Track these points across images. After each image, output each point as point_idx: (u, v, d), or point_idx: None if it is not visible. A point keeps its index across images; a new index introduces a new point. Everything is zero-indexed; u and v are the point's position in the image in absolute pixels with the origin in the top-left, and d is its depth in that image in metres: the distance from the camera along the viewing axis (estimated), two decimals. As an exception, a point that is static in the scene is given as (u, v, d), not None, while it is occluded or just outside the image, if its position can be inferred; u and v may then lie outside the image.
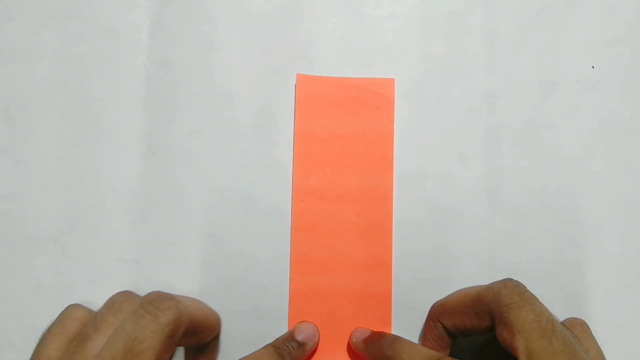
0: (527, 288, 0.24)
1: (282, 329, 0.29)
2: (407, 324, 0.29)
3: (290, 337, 0.28)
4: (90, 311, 0.25)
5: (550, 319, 0.23)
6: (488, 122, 0.31)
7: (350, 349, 0.29)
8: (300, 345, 0.28)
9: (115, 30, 0.32)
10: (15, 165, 0.31)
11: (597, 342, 0.26)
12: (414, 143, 0.31)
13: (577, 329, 0.26)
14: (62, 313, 0.25)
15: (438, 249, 0.30)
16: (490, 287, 0.25)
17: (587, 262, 0.30)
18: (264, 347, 0.27)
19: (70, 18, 0.32)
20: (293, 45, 0.32)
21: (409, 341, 0.27)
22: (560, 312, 0.29)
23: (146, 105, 0.31)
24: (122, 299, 0.24)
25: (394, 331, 0.29)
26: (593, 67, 0.32)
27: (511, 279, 0.25)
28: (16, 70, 0.32)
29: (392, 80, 0.31)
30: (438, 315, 0.27)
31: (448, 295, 0.28)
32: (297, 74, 0.31)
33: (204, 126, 0.31)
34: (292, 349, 0.27)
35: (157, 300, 0.22)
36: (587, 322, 0.27)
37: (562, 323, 0.26)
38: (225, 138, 0.31)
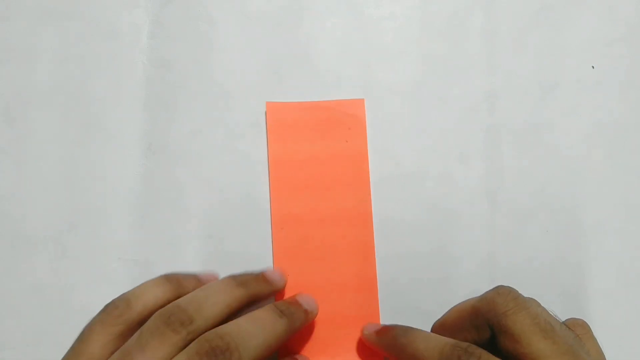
0: (520, 292, 0.24)
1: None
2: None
3: (292, 300, 0.27)
4: (128, 303, 0.24)
5: (548, 319, 0.23)
6: (488, 122, 0.31)
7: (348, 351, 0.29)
8: (305, 312, 0.27)
9: (115, 30, 0.32)
10: (15, 165, 0.31)
11: (597, 343, 0.26)
12: (414, 143, 0.31)
13: (578, 329, 0.26)
14: (102, 310, 0.24)
15: (438, 249, 0.30)
16: (484, 298, 0.24)
17: (587, 262, 0.30)
18: (266, 305, 0.26)
19: (70, 18, 0.32)
20: (293, 45, 0.32)
21: (423, 330, 0.26)
22: (560, 312, 0.28)
23: (146, 105, 0.31)
24: (169, 323, 0.22)
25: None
26: (593, 67, 0.32)
27: (503, 286, 0.25)
28: (16, 70, 0.32)
29: (362, 100, 0.31)
30: (440, 334, 0.27)
31: (445, 314, 0.28)
32: (267, 102, 0.31)
33: (204, 126, 0.31)
34: (293, 310, 0.26)
35: (218, 353, 0.21)
36: (587, 322, 0.27)
37: (564, 323, 0.26)
38: (225, 138, 0.31)
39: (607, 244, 0.30)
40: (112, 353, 0.23)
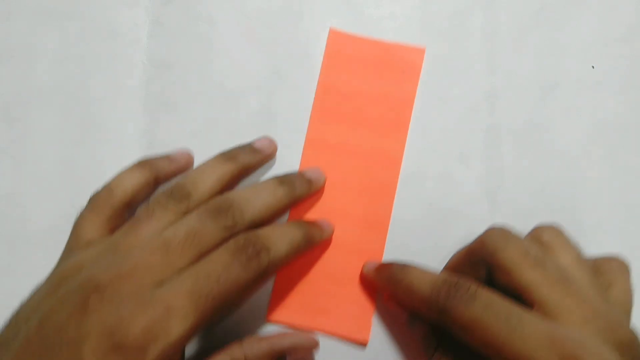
0: (513, 230, 0.25)
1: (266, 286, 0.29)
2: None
3: (296, 173, 0.29)
4: (110, 191, 0.27)
5: (537, 252, 0.24)
6: (488, 122, 0.31)
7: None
8: (307, 181, 0.29)
9: (115, 30, 0.32)
10: (15, 165, 0.31)
11: (628, 284, 0.25)
12: (414, 143, 0.31)
13: (606, 266, 0.26)
14: (88, 201, 0.27)
15: (437, 249, 0.30)
16: (478, 239, 0.25)
17: (587, 262, 0.30)
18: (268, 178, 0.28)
19: (70, 18, 0.32)
20: (293, 45, 0.32)
21: (419, 267, 0.27)
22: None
23: (146, 105, 0.31)
24: (171, 197, 0.25)
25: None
26: (593, 67, 0.32)
27: (494, 226, 0.25)
28: (16, 70, 0.32)
29: (423, 49, 0.31)
30: None
31: (448, 261, 0.29)
32: (330, 28, 0.31)
33: (204, 126, 0.31)
34: (294, 179, 0.28)
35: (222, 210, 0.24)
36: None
37: (595, 260, 0.26)
38: (225, 138, 0.31)
39: (607, 244, 0.30)
40: (107, 232, 0.26)
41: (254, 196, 0.26)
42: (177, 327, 0.21)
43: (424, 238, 0.30)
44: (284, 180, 0.27)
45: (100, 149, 0.31)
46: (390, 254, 0.30)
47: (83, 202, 0.30)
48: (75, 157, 0.31)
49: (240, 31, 0.32)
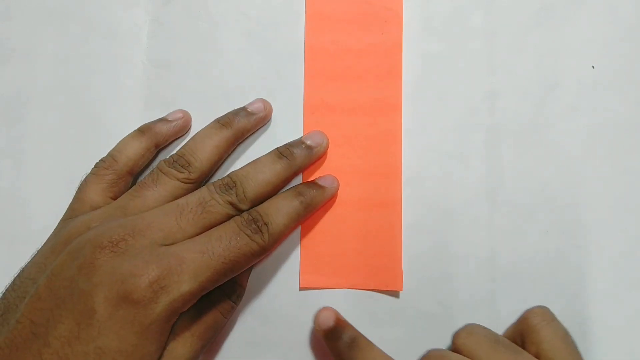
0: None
1: (294, 252, 0.29)
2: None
3: (297, 141, 0.29)
4: (114, 158, 0.28)
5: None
6: (488, 122, 0.31)
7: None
8: (307, 147, 0.29)
9: (115, 30, 0.32)
10: (15, 165, 0.31)
11: (558, 326, 0.27)
12: (413, 143, 0.31)
13: (536, 318, 0.27)
14: (93, 169, 0.29)
15: (438, 249, 0.30)
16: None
17: (587, 262, 0.30)
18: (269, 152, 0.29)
19: (70, 18, 0.32)
20: (293, 45, 0.32)
21: (369, 345, 0.27)
22: (560, 312, 0.28)
23: (146, 105, 0.31)
24: (172, 166, 0.27)
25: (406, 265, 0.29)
26: (593, 67, 0.32)
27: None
28: (16, 70, 0.32)
29: None
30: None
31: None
32: None
33: (204, 126, 0.31)
34: (293, 149, 0.29)
35: (229, 186, 0.27)
36: (587, 321, 0.27)
37: (518, 322, 0.28)
38: (225, 138, 0.31)
39: (607, 244, 0.30)
40: (110, 198, 0.28)
41: (254, 173, 0.27)
42: (188, 281, 0.22)
43: (424, 238, 0.30)
44: (284, 152, 0.28)
45: (100, 148, 0.31)
46: (390, 254, 0.30)
47: (83, 202, 0.30)
48: (75, 157, 0.31)
49: (240, 31, 0.32)
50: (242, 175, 0.27)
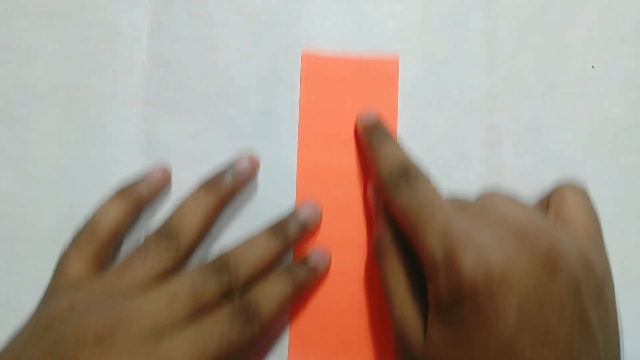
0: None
1: (284, 327, 0.29)
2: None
3: (290, 217, 0.29)
4: (93, 227, 0.27)
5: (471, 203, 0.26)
6: (488, 122, 0.31)
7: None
8: (301, 225, 0.28)
9: (115, 30, 0.32)
10: (15, 165, 0.31)
11: (579, 202, 0.26)
12: (414, 143, 0.31)
13: (559, 185, 0.27)
14: (71, 239, 0.27)
15: (438, 249, 0.30)
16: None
17: (587, 262, 0.30)
18: (262, 229, 0.28)
19: (70, 18, 0.32)
20: (293, 45, 0.32)
21: (393, 141, 0.28)
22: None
23: (146, 105, 0.31)
24: (160, 240, 0.26)
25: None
26: (593, 67, 0.32)
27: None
28: (16, 70, 0.32)
29: (397, 61, 0.31)
30: None
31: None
32: (303, 50, 0.31)
33: (204, 126, 0.31)
34: (290, 228, 0.28)
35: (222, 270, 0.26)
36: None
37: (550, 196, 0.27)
38: (225, 138, 0.31)
39: (607, 244, 0.30)
40: (94, 270, 0.27)
41: (248, 253, 0.27)
42: None
43: (424, 238, 0.30)
44: (277, 229, 0.28)
45: (100, 149, 0.31)
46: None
47: (83, 202, 0.30)
48: (75, 157, 0.31)
49: (240, 31, 0.32)
50: (235, 256, 0.26)
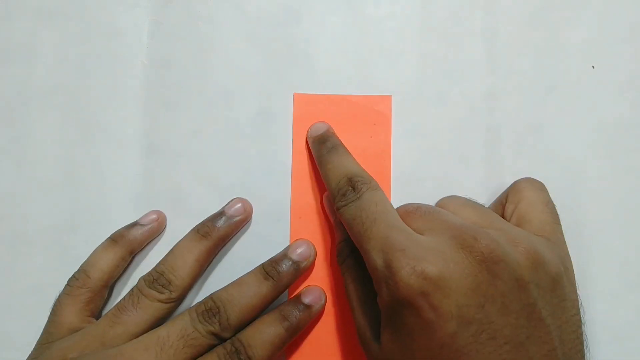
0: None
1: None
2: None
3: (282, 256, 0.28)
4: (87, 273, 0.28)
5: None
6: (488, 122, 0.31)
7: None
8: (294, 264, 0.28)
9: (115, 30, 0.32)
10: (15, 165, 0.31)
11: (545, 194, 0.27)
12: (413, 143, 0.31)
13: (514, 185, 0.28)
14: (66, 285, 0.28)
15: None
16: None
17: (588, 262, 0.30)
18: (255, 269, 0.28)
19: (70, 18, 0.32)
20: (293, 45, 0.32)
21: (344, 153, 0.28)
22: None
23: (146, 105, 0.31)
24: (151, 287, 0.26)
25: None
26: (593, 67, 0.32)
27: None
28: (16, 70, 0.32)
29: (389, 97, 0.31)
30: None
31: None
32: (295, 93, 0.31)
33: (204, 126, 0.31)
34: (280, 268, 0.28)
35: (212, 313, 0.25)
36: (587, 322, 0.26)
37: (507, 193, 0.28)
38: (225, 138, 0.31)
39: (608, 244, 0.30)
40: (88, 317, 0.27)
41: (239, 298, 0.26)
42: None
43: (424, 238, 0.30)
44: (270, 272, 0.27)
45: (100, 149, 0.31)
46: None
47: (83, 202, 0.30)
48: (75, 157, 0.31)
49: (240, 31, 0.32)
50: (225, 299, 0.26)
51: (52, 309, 0.27)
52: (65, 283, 0.28)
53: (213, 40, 0.32)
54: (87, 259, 0.28)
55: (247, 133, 0.31)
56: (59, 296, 0.28)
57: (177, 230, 0.30)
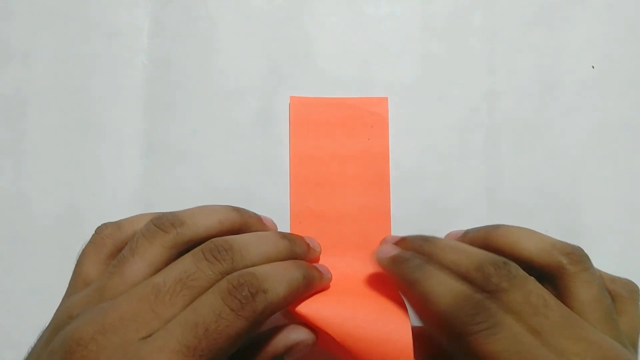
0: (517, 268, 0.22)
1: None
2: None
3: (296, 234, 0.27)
4: (119, 226, 0.25)
5: (542, 298, 0.22)
6: (488, 121, 0.31)
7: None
8: (306, 244, 0.26)
9: (115, 30, 0.32)
10: (16, 165, 0.31)
11: (637, 311, 0.24)
12: (413, 142, 0.31)
13: (618, 292, 0.24)
14: (93, 234, 0.25)
15: (438, 249, 0.30)
16: (490, 240, 0.24)
17: (587, 262, 0.30)
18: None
19: (70, 18, 0.32)
20: (293, 45, 0.32)
21: (439, 268, 0.23)
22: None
23: (146, 105, 0.31)
24: (160, 224, 0.23)
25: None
26: (593, 67, 0.32)
27: (495, 258, 0.22)
28: (16, 70, 0.32)
29: (386, 99, 0.31)
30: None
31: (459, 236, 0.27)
32: (291, 97, 0.31)
33: (204, 126, 0.31)
34: (295, 237, 0.26)
35: (221, 250, 0.22)
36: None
37: (609, 285, 0.24)
38: (225, 138, 0.31)
39: (607, 244, 0.30)
40: (104, 269, 0.24)
41: (256, 243, 0.23)
42: None
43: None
44: (286, 235, 0.25)
45: (100, 149, 0.31)
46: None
47: (82, 202, 0.30)
48: (75, 157, 0.31)
49: (240, 31, 0.32)
50: (240, 241, 0.23)
51: (78, 257, 0.25)
52: (93, 232, 0.25)
53: (213, 40, 0.32)
54: (128, 217, 0.25)
55: (246, 133, 0.31)
56: (84, 245, 0.25)
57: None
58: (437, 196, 0.30)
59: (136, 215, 0.25)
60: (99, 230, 0.25)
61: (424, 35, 0.32)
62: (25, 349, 0.27)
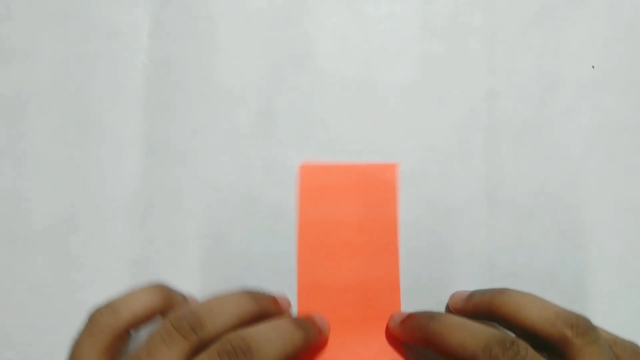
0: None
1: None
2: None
3: (307, 317, 0.27)
4: (115, 312, 0.23)
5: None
6: (488, 121, 0.31)
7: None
8: (319, 329, 0.26)
9: (115, 30, 0.32)
10: (16, 165, 0.31)
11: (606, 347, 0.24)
12: (414, 142, 0.31)
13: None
14: (89, 320, 0.23)
15: (437, 249, 0.30)
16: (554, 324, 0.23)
17: (587, 262, 0.30)
18: (284, 316, 0.26)
19: (70, 18, 0.32)
20: (293, 45, 0.32)
21: (453, 316, 0.24)
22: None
23: (146, 105, 0.31)
24: (180, 328, 0.22)
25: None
26: (593, 67, 0.32)
27: (573, 315, 0.23)
28: (16, 70, 0.32)
29: (394, 165, 0.30)
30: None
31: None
32: (301, 165, 0.30)
33: (204, 126, 0.31)
34: (309, 325, 0.26)
35: (239, 353, 0.21)
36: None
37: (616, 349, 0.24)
38: (226, 138, 0.31)
39: (608, 244, 0.30)
40: None
41: (274, 340, 0.22)
42: None
43: (423, 237, 0.30)
44: (301, 324, 0.25)
45: (100, 149, 0.31)
46: (390, 254, 0.30)
47: (82, 202, 0.30)
48: (75, 157, 0.31)
49: (240, 31, 0.32)
50: (259, 338, 0.22)
51: (70, 351, 0.23)
52: (88, 318, 0.24)
53: (213, 40, 0.32)
54: (122, 296, 0.24)
55: (246, 133, 0.31)
56: (80, 334, 0.23)
57: (176, 230, 0.30)
58: (437, 196, 0.30)
59: (130, 293, 0.25)
60: (94, 318, 0.23)
61: (424, 35, 0.32)
62: (25, 349, 0.27)
